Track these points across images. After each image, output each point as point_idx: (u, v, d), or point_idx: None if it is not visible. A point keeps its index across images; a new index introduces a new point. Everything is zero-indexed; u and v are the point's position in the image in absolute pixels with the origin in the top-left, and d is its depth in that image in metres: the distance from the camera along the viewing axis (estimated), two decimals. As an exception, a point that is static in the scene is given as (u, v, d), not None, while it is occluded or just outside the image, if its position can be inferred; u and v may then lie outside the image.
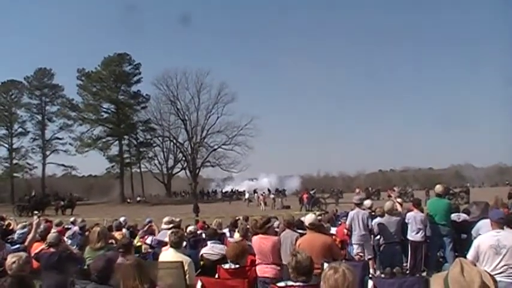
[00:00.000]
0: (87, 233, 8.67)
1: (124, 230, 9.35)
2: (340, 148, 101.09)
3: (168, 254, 5.22)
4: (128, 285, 3.45)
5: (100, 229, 6.40)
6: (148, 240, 7.56)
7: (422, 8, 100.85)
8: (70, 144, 55.51)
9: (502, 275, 4.53)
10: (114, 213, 24.22)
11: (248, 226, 7.94)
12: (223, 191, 58.84)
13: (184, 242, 6.45)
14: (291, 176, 63.28)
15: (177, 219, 9.23)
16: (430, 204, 8.59)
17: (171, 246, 5.28)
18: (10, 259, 4.16)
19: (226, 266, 5.20)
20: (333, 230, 9.22)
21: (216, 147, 58.63)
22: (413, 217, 8.09)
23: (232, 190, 58.16)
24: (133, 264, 3.55)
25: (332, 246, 5.55)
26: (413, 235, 8.04)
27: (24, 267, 4.20)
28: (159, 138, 60.30)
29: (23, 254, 4.34)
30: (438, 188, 8.61)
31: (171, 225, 8.03)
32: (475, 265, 4.35)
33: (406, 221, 8.16)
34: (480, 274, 2.16)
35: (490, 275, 2.25)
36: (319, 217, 9.05)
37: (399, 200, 10.67)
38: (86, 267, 5.64)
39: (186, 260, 4.98)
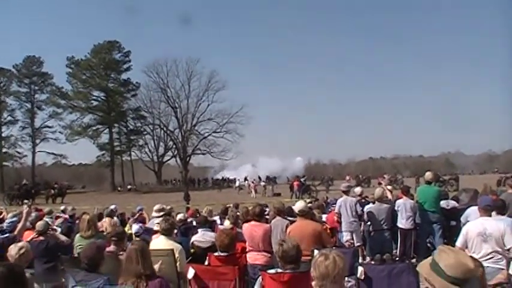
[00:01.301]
0: (77, 222, 8.64)
1: (115, 218, 9.32)
2: (331, 136, 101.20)
3: (158, 242, 5.20)
4: (131, 268, 3.45)
5: (89, 217, 6.39)
6: (134, 228, 7.47)
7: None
8: (60, 132, 55.15)
9: (489, 261, 4.57)
10: (105, 202, 24.14)
11: (238, 213, 7.96)
12: (214, 178, 58.85)
13: (175, 229, 6.45)
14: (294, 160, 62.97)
15: (168, 207, 9.21)
16: (419, 192, 8.68)
17: (162, 234, 5.26)
18: (14, 250, 4.11)
19: (217, 253, 5.20)
20: (324, 217, 9.25)
21: (206, 134, 58.55)
22: (403, 204, 8.16)
23: (223, 178, 58.23)
24: (138, 248, 3.55)
25: (322, 233, 5.57)
26: (403, 222, 8.12)
27: (28, 258, 4.19)
28: (150, 126, 60.04)
29: (26, 245, 4.31)
30: (428, 175, 8.66)
31: (161, 213, 8.00)
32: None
33: (396, 208, 8.22)
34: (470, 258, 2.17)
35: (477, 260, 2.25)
36: (310, 204, 9.08)
37: (389, 187, 10.72)
38: (76, 255, 5.64)
39: (176, 247, 4.97)
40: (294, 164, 59.20)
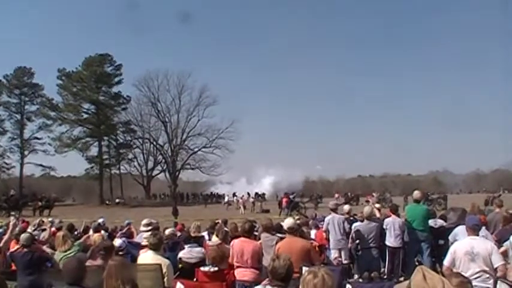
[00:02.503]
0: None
1: (102, 232, 9.22)
2: (321, 153, 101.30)
3: (146, 256, 5.14)
4: (110, 284, 3.46)
5: (63, 233, 6.50)
6: (117, 242, 7.35)
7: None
8: (49, 144, 54.47)
9: (477, 280, 4.58)
10: (93, 215, 23.78)
11: (227, 229, 7.91)
12: (204, 193, 58.65)
13: (163, 244, 6.38)
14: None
15: (156, 222, 9.12)
16: (408, 210, 8.67)
17: (150, 248, 5.20)
18: None
19: (206, 268, 5.15)
20: (312, 234, 9.23)
21: (196, 150, 58.58)
22: (392, 223, 8.16)
23: (211, 193, 58.00)
24: (117, 264, 3.58)
25: (311, 251, 5.55)
26: (391, 240, 8.11)
27: None
28: (139, 139, 59.83)
29: None
30: (416, 194, 8.66)
31: (149, 228, 7.91)
32: (452, 271, 4.39)
33: (385, 226, 8.23)
34: (442, 281, 2.18)
35: (464, 281, 2.27)
36: (299, 221, 9.05)
37: (378, 205, 10.74)
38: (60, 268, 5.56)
39: (164, 262, 4.91)
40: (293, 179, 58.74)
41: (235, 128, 56.91)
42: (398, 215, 8.58)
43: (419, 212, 8.27)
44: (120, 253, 6.69)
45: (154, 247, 5.18)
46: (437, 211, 11.44)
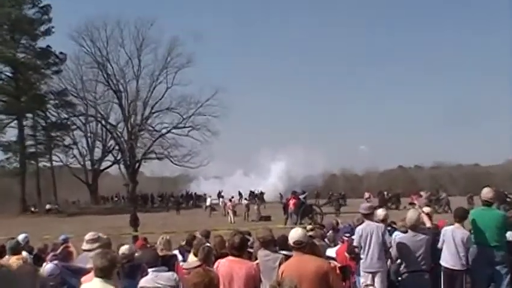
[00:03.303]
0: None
1: (24, 254, 9.21)
2: (344, 136, 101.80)
3: (92, 287, 5.17)
4: None
5: None
6: (47, 269, 7.33)
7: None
8: None
9: None
10: (11, 229, 23.82)
11: (210, 245, 7.96)
12: (176, 195, 58.76)
13: (117, 268, 6.41)
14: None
15: (106, 236, 9.16)
16: (474, 216, 8.41)
17: (97, 276, 5.23)
18: None
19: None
20: (331, 252, 9.30)
21: (164, 131, 58.51)
22: (451, 234, 8.13)
23: (188, 194, 58.16)
24: None
25: (329, 274, 5.58)
26: (449, 260, 8.09)
27: None
28: (81, 117, 59.71)
29: None
30: (487, 192, 8.40)
31: (96, 245, 7.95)
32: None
33: (441, 239, 8.20)
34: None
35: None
36: (311, 232, 9.09)
37: (428, 209, 10.77)
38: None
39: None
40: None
41: (220, 101, 56.87)
42: (463, 225, 8.53)
43: (491, 220, 8.12)
44: (51, 283, 6.70)
45: (103, 273, 5.20)
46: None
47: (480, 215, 8.36)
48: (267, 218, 33.28)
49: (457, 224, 8.27)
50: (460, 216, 8.45)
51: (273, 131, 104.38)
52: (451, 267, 8.05)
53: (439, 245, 8.19)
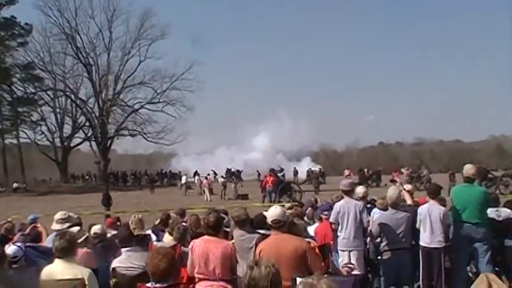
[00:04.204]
0: None
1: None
2: (324, 111, 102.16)
3: (54, 269, 5.15)
4: None
5: None
6: (11, 250, 7.27)
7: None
8: None
9: None
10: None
11: (185, 224, 7.97)
12: (150, 173, 58.69)
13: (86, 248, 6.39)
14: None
15: (76, 216, 9.13)
16: (456, 194, 8.48)
17: (57, 257, 5.22)
18: None
19: (150, 284, 5.19)
20: (310, 230, 9.35)
21: (137, 107, 58.15)
22: (427, 212, 8.18)
23: (163, 172, 58.09)
24: None
25: (308, 254, 5.59)
26: (427, 239, 8.10)
27: None
28: (49, 92, 59.04)
29: None
30: (469, 169, 8.48)
31: (67, 225, 7.92)
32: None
33: (418, 217, 8.20)
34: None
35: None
36: (289, 211, 9.12)
37: (409, 186, 10.84)
38: None
39: (84, 273, 4.95)
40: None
41: (196, 75, 56.60)
42: (442, 201, 8.60)
43: (473, 197, 8.17)
44: (15, 265, 6.65)
45: (63, 253, 5.19)
46: (502, 196, 11.50)
47: (461, 191, 8.44)
48: (244, 197, 33.36)
49: (431, 201, 8.32)
50: (433, 192, 8.54)
51: (254, 106, 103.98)
52: (427, 245, 8.05)
53: (417, 225, 8.20)
